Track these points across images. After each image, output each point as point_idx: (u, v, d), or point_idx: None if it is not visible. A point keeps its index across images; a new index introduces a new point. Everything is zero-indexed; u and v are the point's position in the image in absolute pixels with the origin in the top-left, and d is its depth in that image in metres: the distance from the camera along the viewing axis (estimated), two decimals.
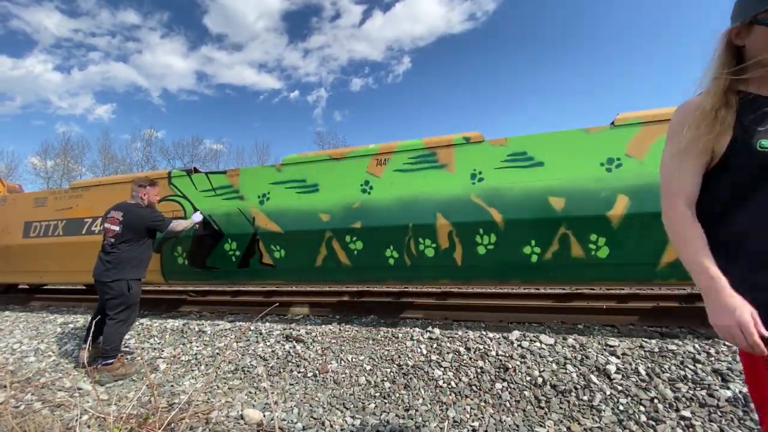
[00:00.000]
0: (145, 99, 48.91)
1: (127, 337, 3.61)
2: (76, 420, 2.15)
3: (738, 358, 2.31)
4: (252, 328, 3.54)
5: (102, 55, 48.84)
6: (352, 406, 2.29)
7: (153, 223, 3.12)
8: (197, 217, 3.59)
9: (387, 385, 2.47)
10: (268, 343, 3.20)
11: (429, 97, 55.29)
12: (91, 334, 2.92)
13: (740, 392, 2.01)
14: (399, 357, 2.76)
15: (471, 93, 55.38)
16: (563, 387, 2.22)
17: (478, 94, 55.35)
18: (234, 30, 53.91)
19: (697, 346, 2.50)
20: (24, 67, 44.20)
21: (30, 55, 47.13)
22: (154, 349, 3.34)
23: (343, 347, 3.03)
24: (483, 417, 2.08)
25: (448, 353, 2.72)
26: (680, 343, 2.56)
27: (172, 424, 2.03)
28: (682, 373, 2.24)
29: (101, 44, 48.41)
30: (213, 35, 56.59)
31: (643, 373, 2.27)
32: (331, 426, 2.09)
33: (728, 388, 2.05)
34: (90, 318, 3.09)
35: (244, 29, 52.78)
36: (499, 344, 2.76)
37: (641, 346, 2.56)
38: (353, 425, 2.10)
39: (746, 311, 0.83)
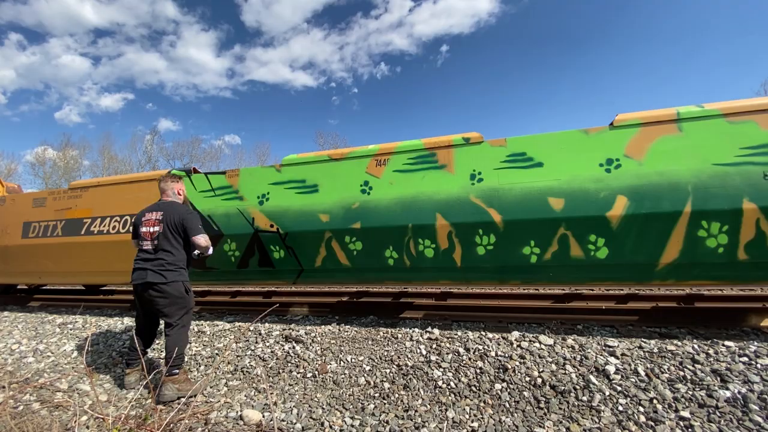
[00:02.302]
0: (171, 93, 49.51)
1: (125, 338, 3.60)
2: (75, 420, 2.14)
3: (737, 358, 2.31)
4: (251, 328, 3.54)
5: (134, 47, 48.93)
6: (351, 406, 2.29)
7: (191, 229, 2.73)
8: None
9: (386, 385, 2.47)
10: (267, 344, 3.20)
11: (458, 94, 55.54)
12: (138, 352, 2.65)
13: (739, 393, 2.01)
14: (398, 357, 2.76)
15: (507, 91, 55.25)
16: (562, 387, 2.22)
17: (515, 92, 55.17)
18: (270, 25, 53.86)
19: (696, 346, 2.50)
20: (44, 54, 44.32)
21: (56, 43, 47.03)
22: (153, 350, 3.34)
23: (342, 348, 3.03)
24: (482, 417, 2.08)
25: (447, 354, 2.72)
26: (679, 343, 2.57)
27: (171, 425, 2.02)
28: (681, 373, 2.24)
29: (134, 35, 48.65)
30: (249, 31, 56.50)
31: (642, 373, 2.27)
32: (331, 427, 2.09)
33: (727, 389, 2.05)
34: (134, 335, 2.72)
35: (281, 24, 52.65)
36: (499, 345, 2.76)
37: (640, 347, 2.56)
38: (352, 426, 2.10)
39: None
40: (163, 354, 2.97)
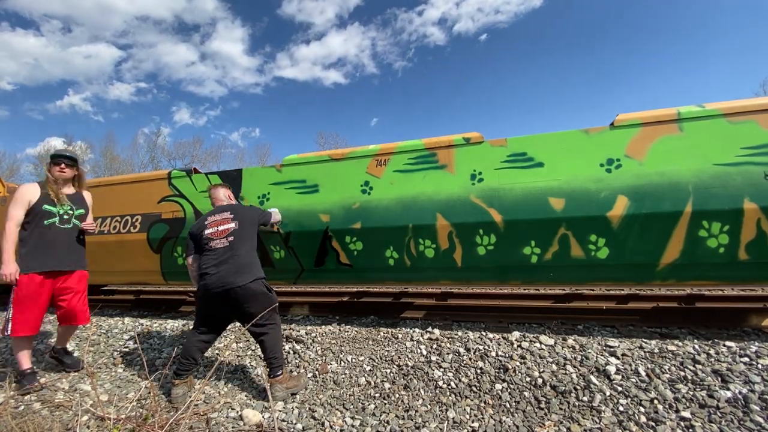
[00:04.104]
0: (196, 86, 50.23)
1: (126, 338, 3.61)
2: (76, 421, 2.14)
3: (738, 359, 2.31)
4: None
5: (165, 39, 49.23)
6: (351, 406, 2.29)
7: (263, 216, 2.90)
8: (276, 215, 3.31)
9: (387, 385, 2.47)
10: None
11: (493, 88, 55.33)
12: (191, 361, 2.49)
13: (740, 393, 2.01)
14: (399, 357, 2.76)
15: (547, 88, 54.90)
16: (563, 388, 2.22)
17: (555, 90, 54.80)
18: (306, 21, 53.80)
19: (696, 346, 2.50)
20: (66, 43, 44.37)
21: (82, 33, 47.09)
22: (154, 349, 3.34)
23: (342, 348, 3.03)
24: (483, 418, 2.08)
25: (447, 354, 2.72)
26: (680, 343, 2.56)
27: (172, 425, 2.02)
28: (682, 373, 2.24)
29: (167, 27, 49.10)
30: (284, 27, 56.66)
31: (643, 373, 2.27)
32: (331, 427, 2.09)
33: (728, 389, 2.05)
34: (189, 344, 2.50)
35: (318, 19, 52.49)
36: (499, 345, 2.76)
37: (641, 347, 2.56)
38: (353, 426, 2.09)
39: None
40: (164, 354, 2.96)
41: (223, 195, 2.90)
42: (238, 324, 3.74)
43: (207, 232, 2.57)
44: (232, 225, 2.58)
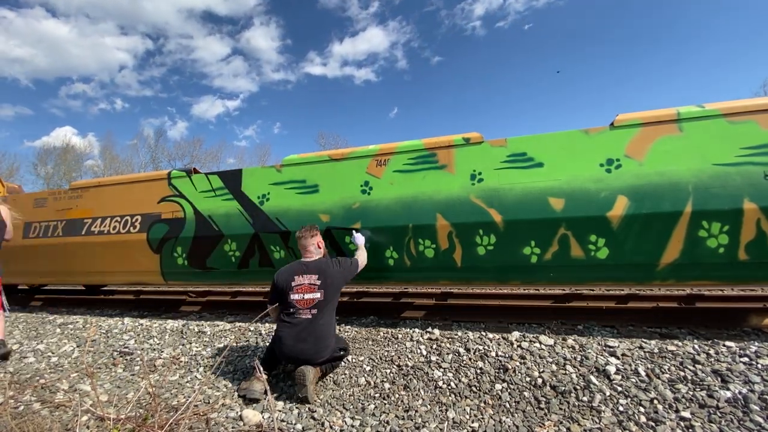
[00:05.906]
0: (222, 79, 50.55)
1: (126, 338, 3.61)
2: (76, 421, 2.14)
3: (738, 359, 2.31)
4: (252, 328, 3.54)
5: (199, 33, 49.57)
6: (351, 406, 2.29)
7: (351, 273, 2.75)
8: (360, 239, 3.17)
9: (386, 385, 2.47)
10: (267, 344, 3.19)
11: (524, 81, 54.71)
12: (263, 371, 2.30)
13: (740, 393, 2.01)
14: (399, 358, 2.76)
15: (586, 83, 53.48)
16: (563, 388, 2.22)
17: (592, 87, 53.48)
18: (345, 16, 53.47)
19: (696, 346, 2.50)
20: (88, 34, 44.20)
21: (106, 25, 46.93)
22: (154, 349, 3.34)
23: None
24: (483, 418, 2.08)
25: (447, 354, 2.72)
26: (680, 343, 2.56)
27: (172, 425, 2.02)
28: (682, 373, 2.24)
29: (197, 17, 49.34)
30: (322, 22, 56.92)
31: (643, 373, 2.27)
32: (331, 427, 2.09)
33: (728, 389, 2.05)
34: (262, 360, 2.55)
35: (357, 15, 52.02)
36: (499, 345, 2.76)
37: (641, 347, 2.56)
38: (353, 426, 2.09)
39: None
40: (164, 354, 2.96)
41: (313, 246, 2.72)
42: (238, 324, 3.74)
43: (292, 297, 2.51)
44: (318, 295, 2.50)
